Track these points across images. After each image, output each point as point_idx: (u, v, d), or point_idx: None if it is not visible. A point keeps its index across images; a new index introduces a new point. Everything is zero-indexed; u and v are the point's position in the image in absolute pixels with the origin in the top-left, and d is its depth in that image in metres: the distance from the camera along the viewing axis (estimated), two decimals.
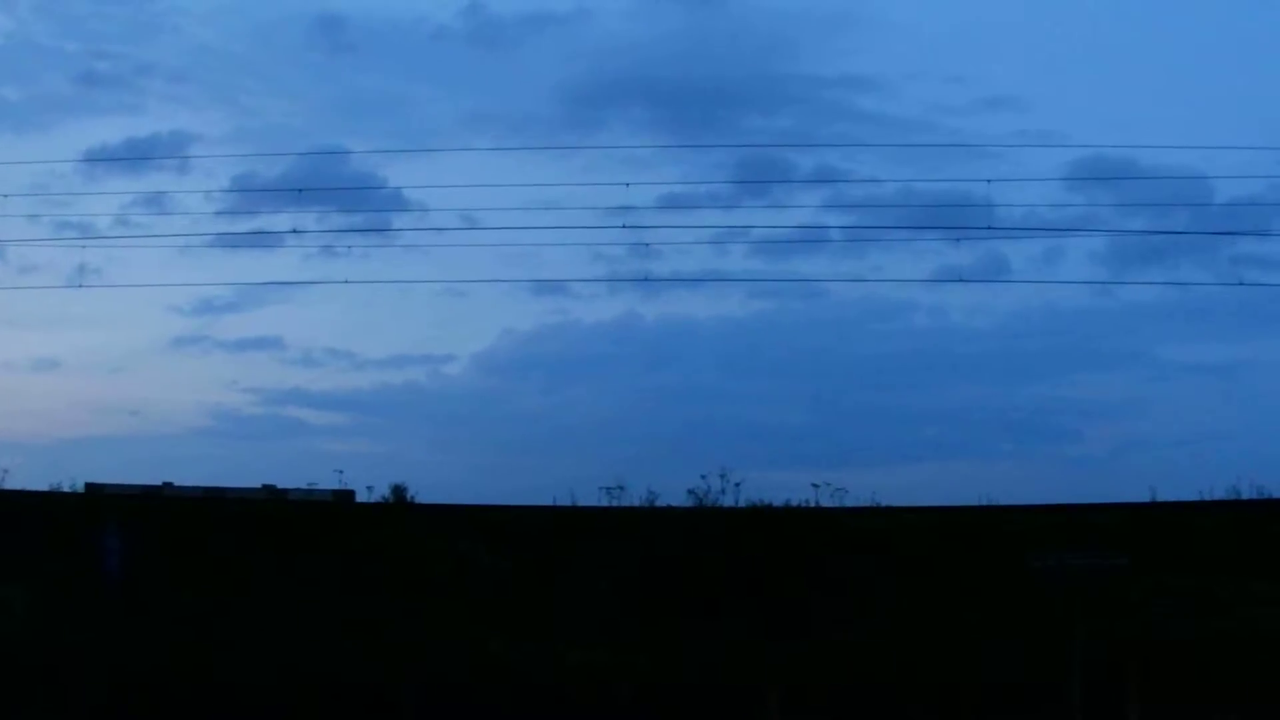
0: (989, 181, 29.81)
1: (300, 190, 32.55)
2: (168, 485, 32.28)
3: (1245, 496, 28.24)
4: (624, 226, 29.52)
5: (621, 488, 28.65)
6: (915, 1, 63.37)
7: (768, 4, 62.36)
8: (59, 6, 62.91)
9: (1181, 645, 20.44)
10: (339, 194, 34.52)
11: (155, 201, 35.34)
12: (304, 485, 32.12)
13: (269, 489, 32.12)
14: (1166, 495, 28.73)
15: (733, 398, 55.92)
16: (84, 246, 32.91)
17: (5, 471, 28.59)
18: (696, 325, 58.63)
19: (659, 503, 28.64)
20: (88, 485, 31.12)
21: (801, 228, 37.10)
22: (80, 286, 32.01)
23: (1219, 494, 28.48)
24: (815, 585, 22.98)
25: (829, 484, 28.65)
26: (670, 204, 37.04)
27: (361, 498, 31.31)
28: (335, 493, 31.95)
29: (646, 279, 32.91)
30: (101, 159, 45.41)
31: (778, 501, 28.49)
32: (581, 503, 28.64)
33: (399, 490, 30.33)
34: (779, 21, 60.31)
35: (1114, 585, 21.07)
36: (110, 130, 64.77)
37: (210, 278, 69.39)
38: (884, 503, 28.75)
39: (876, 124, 55.19)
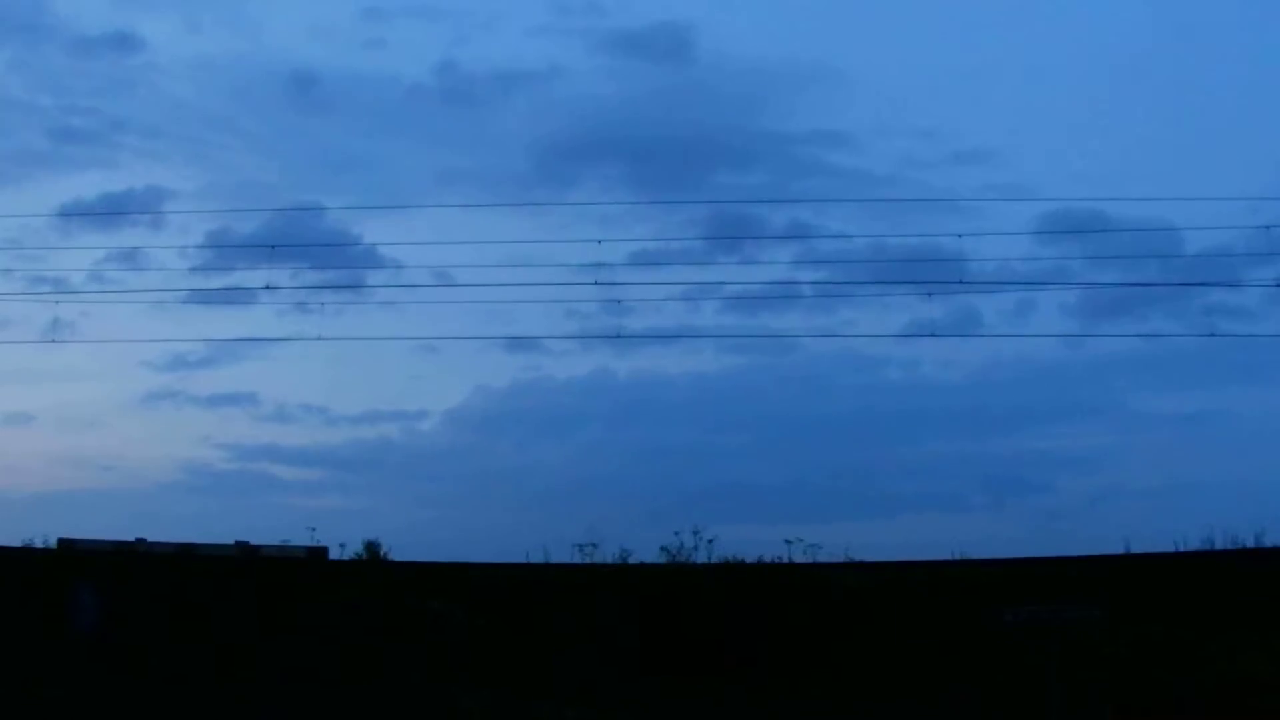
0: (960, 236, 30.05)
1: (274, 246, 32.58)
2: (141, 541, 32.07)
3: (1219, 546, 28.35)
4: (596, 283, 29.63)
5: (594, 545, 28.61)
6: (885, 57, 64.12)
7: (738, 61, 62.99)
8: (34, 61, 63.21)
9: (1157, 695, 20.45)
10: (313, 250, 34.55)
11: (129, 257, 35.29)
12: (277, 542, 31.96)
13: (242, 545, 31.94)
14: (1141, 546, 28.82)
15: (706, 453, 55.95)
16: (57, 302, 32.81)
17: None
18: (669, 381, 58.84)
19: (632, 560, 28.60)
20: (60, 541, 30.93)
21: (774, 283, 37.19)
22: (54, 341, 31.93)
23: (1193, 544, 28.57)
24: (790, 641, 22.92)
25: (802, 540, 28.65)
26: (642, 260, 37.26)
27: (334, 554, 31.16)
28: (308, 549, 31.79)
29: (619, 335, 32.94)
30: (76, 214, 45.42)
31: (751, 558, 28.48)
32: (555, 560, 28.59)
33: (372, 547, 30.21)
34: (749, 78, 60.88)
35: (1089, 636, 21.11)
36: (85, 185, 64.72)
37: (184, 333, 69.57)
38: (858, 558, 28.77)
39: (847, 179, 55.67)
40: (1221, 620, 22.89)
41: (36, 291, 34.50)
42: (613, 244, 38.64)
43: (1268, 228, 28.62)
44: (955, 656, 22.09)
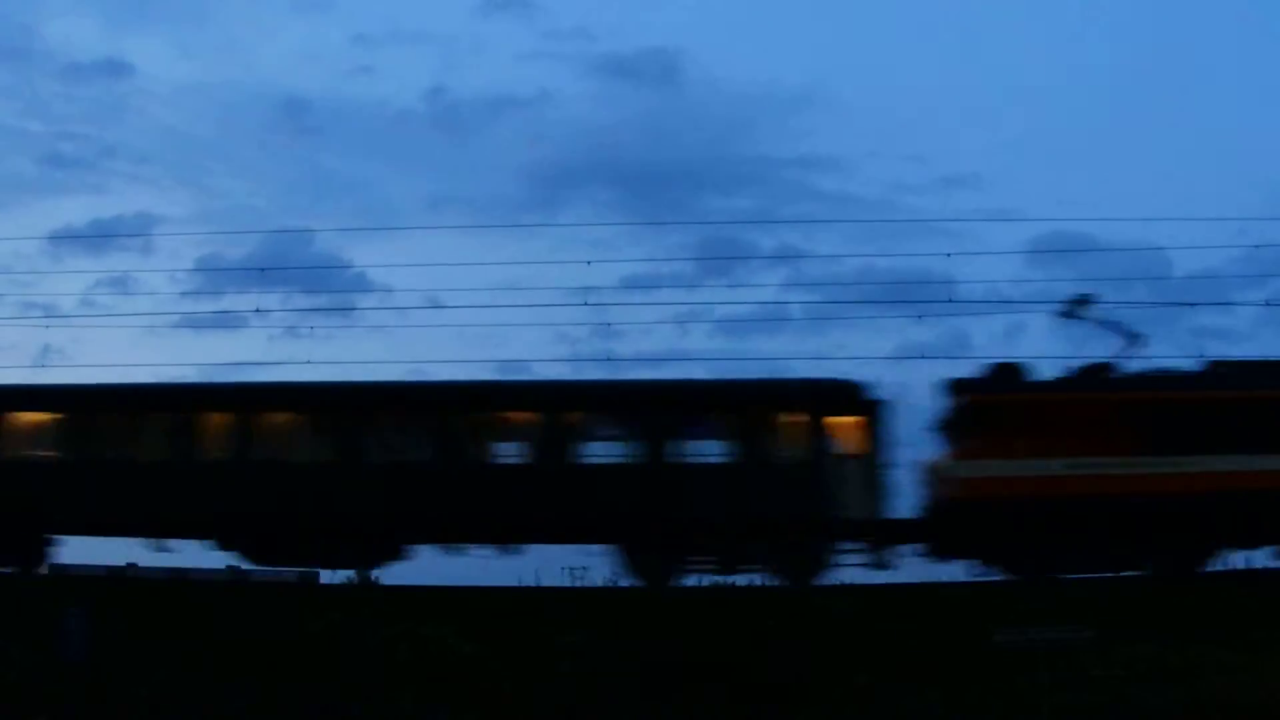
0: (949, 254, 30.32)
1: (264, 269, 32.76)
2: (132, 566, 32.03)
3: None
4: (586, 304, 29.83)
5: (585, 569, 28.71)
6: (874, 82, 64.65)
7: (727, 86, 63.47)
8: (24, 87, 63.50)
9: (1150, 715, 20.49)
10: (303, 274, 34.79)
11: (119, 282, 35.54)
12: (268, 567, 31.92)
13: (233, 570, 31.90)
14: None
15: None
16: (48, 327, 32.99)
17: None
18: None
19: (623, 584, 28.70)
20: (51, 567, 30.93)
21: (764, 304, 37.49)
22: (44, 367, 32.03)
23: None
24: (782, 666, 22.93)
25: None
26: (632, 284, 37.49)
27: (325, 579, 31.19)
28: (300, 574, 31.80)
29: (609, 359, 33.19)
30: (66, 238, 45.60)
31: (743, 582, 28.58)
32: (546, 584, 28.64)
33: (363, 572, 30.22)
34: (738, 104, 61.41)
35: (1080, 657, 21.17)
36: (75, 211, 65.15)
37: (174, 358, 69.63)
38: (852, 581, 28.90)
39: (837, 203, 56.15)
40: (1214, 641, 22.96)
41: (27, 317, 34.62)
42: (603, 267, 38.89)
43: (1256, 247, 28.90)
44: (949, 679, 22.12)
